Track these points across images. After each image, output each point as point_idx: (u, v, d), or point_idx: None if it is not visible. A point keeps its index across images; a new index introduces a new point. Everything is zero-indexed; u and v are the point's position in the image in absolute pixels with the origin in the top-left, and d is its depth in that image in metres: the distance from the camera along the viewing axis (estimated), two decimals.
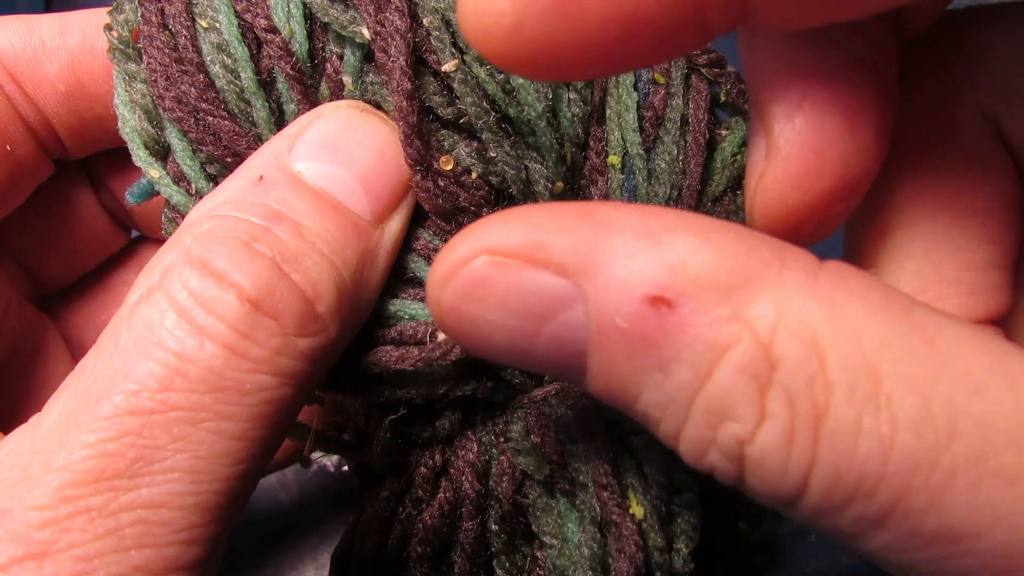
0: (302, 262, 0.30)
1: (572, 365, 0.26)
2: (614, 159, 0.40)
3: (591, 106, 0.41)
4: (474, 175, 0.35)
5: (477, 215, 0.35)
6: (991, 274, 0.30)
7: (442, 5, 0.34)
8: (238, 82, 0.36)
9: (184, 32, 0.36)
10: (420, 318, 0.35)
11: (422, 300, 0.36)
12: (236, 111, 0.36)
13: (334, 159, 0.33)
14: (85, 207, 0.47)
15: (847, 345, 0.23)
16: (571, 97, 0.40)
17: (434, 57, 0.34)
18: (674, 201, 0.41)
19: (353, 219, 0.32)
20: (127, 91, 0.38)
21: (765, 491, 0.24)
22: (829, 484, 0.23)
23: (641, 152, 0.40)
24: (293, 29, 0.36)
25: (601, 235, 0.24)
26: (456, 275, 0.25)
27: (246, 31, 0.36)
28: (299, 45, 0.36)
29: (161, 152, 0.38)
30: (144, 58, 0.37)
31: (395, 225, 0.34)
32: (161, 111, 0.37)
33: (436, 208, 0.35)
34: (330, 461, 0.61)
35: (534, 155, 0.36)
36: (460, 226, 0.35)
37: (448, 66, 0.34)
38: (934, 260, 0.30)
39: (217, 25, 0.36)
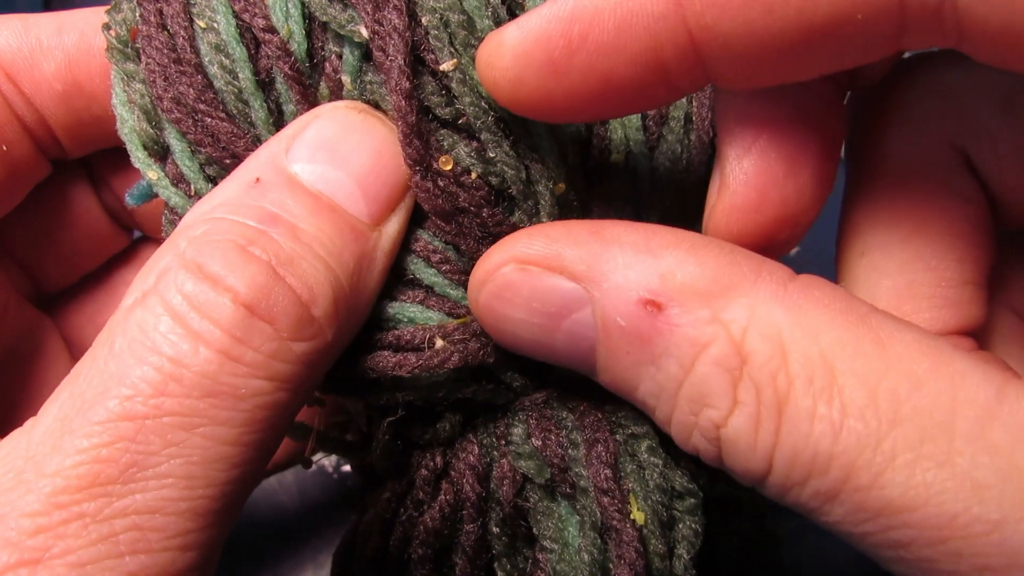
0: (298, 265, 0.30)
1: (585, 359, 0.31)
2: (617, 158, 0.40)
3: None
4: (474, 175, 0.35)
5: (477, 215, 0.35)
6: (961, 290, 0.33)
7: (441, 4, 0.34)
8: (236, 82, 0.35)
9: (182, 32, 0.36)
10: (419, 321, 0.35)
11: (421, 302, 0.36)
12: (234, 111, 0.36)
13: (331, 161, 0.32)
14: (85, 207, 0.46)
15: (807, 344, 0.26)
16: None
17: (432, 56, 0.34)
18: (678, 200, 0.40)
19: (350, 221, 0.32)
20: (125, 91, 0.38)
21: (739, 469, 0.28)
22: (789, 462, 0.26)
23: (645, 151, 0.40)
24: (291, 29, 0.35)
25: (606, 249, 0.29)
26: (490, 279, 0.31)
27: (244, 31, 0.36)
28: (297, 45, 0.35)
29: (160, 153, 0.37)
30: (142, 58, 0.37)
31: (393, 227, 0.34)
32: (160, 112, 0.36)
33: (436, 208, 0.35)
34: (329, 462, 0.61)
35: (534, 155, 0.36)
36: (460, 227, 0.35)
37: (446, 65, 0.34)
38: (908, 278, 0.34)
39: (215, 25, 0.36)
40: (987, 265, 0.35)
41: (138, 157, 0.37)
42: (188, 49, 0.36)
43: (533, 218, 0.36)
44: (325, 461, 0.61)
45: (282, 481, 0.60)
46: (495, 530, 0.38)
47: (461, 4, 0.34)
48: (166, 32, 0.36)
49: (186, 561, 0.27)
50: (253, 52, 0.36)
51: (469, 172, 0.35)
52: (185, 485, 0.27)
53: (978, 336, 0.35)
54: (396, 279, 0.36)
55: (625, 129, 0.40)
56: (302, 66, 0.36)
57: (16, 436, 0.28)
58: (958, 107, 0.33)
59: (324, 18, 0.35)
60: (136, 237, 0.50)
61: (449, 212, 0.35)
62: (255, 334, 0.28)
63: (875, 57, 0.27)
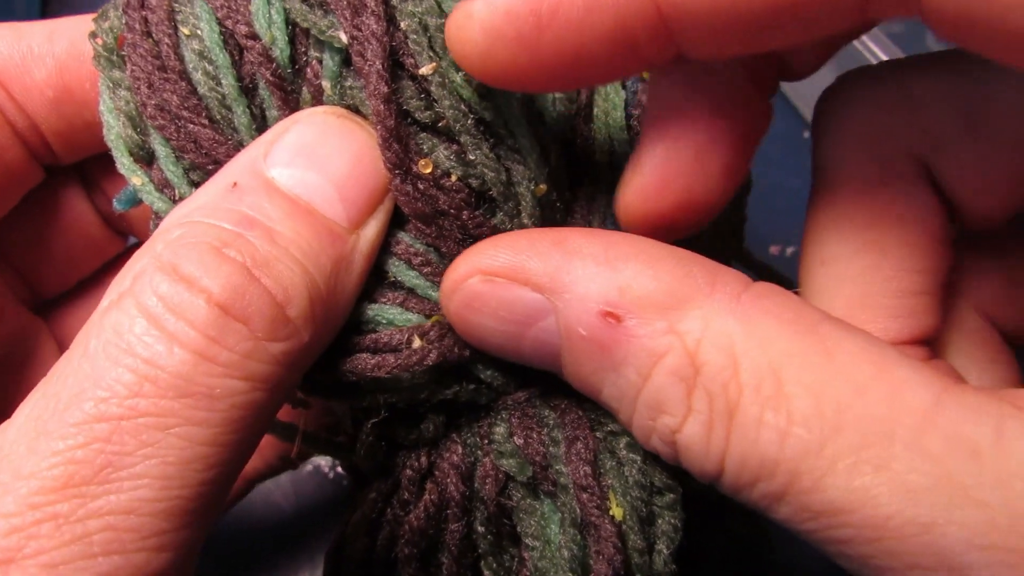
0: (274, 267, 0.30)
1: (553, 362, 0.32)
2: (601, 157, 0.40)
3: (578, 105, 0.41)
4: (454, 178, 0.35)
5: (457, 218, 0.35)
6: (916, 300, 0.34)
7: (420, 9, 0.34)
8: (220, 89, 0.36)
9: (166, 40, 0.36)
10: (397, 324, 0.35)
11: (401, 305, 0.36)
12: (218, 117, 0.36)
13: (309, 165, 0.33)
14: (79, 213, 0.47)
15: (757, 354, 0.27)
16: (557, 96, 0.40)
17: (411, 60, 0.34)
18: None
19: (328, 225, 0.32)
20: (112, 98, 0.38)
21: (695, 470, 0.30)
22: (739, 466, 0.28)
23: (628, 151, 0.40)
24: (274, 35, 0.36)
25: (568, 260, 0.30)
26: (458, 289, 0.32)
27: (227, 38, 0.36)
28: (280, 51, 0.36)
29: (146, 158, 0.38)
30: (128, 66, 0.37)
31: (371, 231, 0.34)
32: (145, 118, 0.37)
33: (416, 212, 0.35)
34: (324, 462, 0.62)
35: (516, 156, 0.36)
36: (441, 229, 0.35)
37: (425, 69, 0.34)
38: (865, 289, 0.35)
39: (199, 32, 0.36)
40: (943, 274, 0.35)
41: (123, 163, 0.38)
42: (172, 56, 0.36)
43: (515, 220, 0.36)
44: (321, 461, 0.61)
45: (278, 482, 0.60)
46: (480, 529, 0.38)
47: (439, 7, 0.35)
48: (151, 40, 0.37)
49: (161, 562, 0.27)
50: (236, 59, 0.36)
51: (449, 175, 0.35)
52: (161, 486, 0.27)
53: (935, 343, 0.36)
54: (377, 281, 0.36)
55: (609, 129, 0.40)
56: (284, 72, 0.36)
57: None
58: (919, 118, 0.34)
59: (305, 24, 0.35)
60: (131, 243, 0.51)
61: (429, 215, 0.35)
62: (230, 334, 0.29)
63: (843, 26, 0.28)
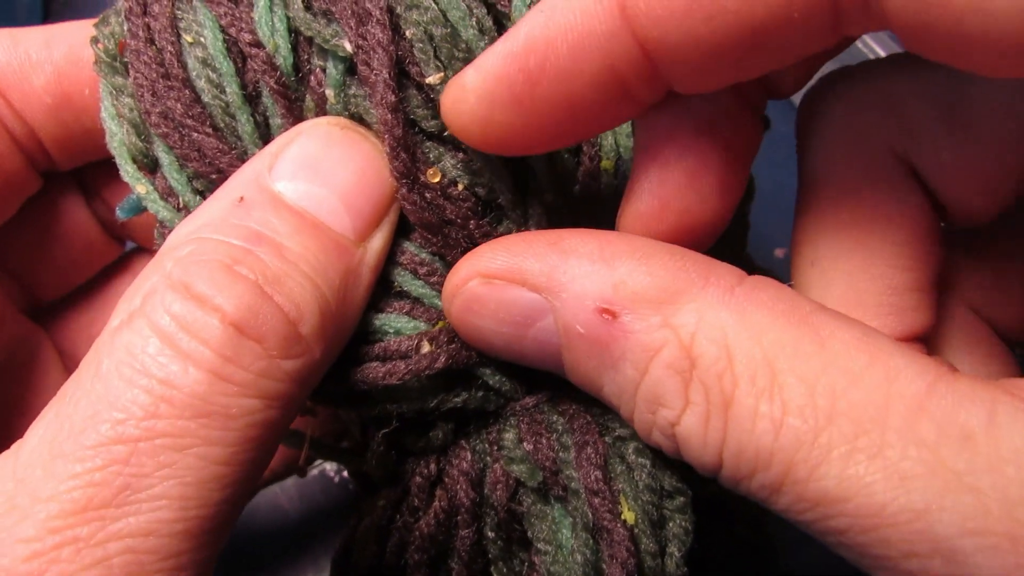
0: (285, 284, 0.30)
1: (554, 362, 0.33)
2: (607, 164, 0.40)
3: None
4: (460, 187, 0.35)
5: (464, 227, 0.35)
6: (907, 296, 0.34)
7: (424, 18, 0.34)
8: (223, 97, 0.36)
9: (169, 48, 0.36)
10: (405, 332, 0.35)
11: (408, 314, 0.36)
12: (222, 125, 0.36)
13: (315, 178, 0.33)
14: (77, 219, 0.46)
15: (751, 346, 0.28)
16: None
17: (417, 69, 0.34)
18: None
19: (335, 238, 0.32)
20: (114, 105, 0.38)
21: (695, 463, 0.30)
22: (736, 457, 0.28)
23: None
24: (277, 43, 0.35)
25: (564, 260, 0.31)
26: (459, 293, 0.33)
27: (231, 46, 0.36)
28: (283, 59, 0.36)
29: (150, 166, 0.38)
30: (131, 73, 0.37)
31: (378, 242, 0.34)
32: (148, 125, 0.37)
33: (423, 221, 0.35)
34: (330, 467, 0.62)
35: (522, 164, 0.36)
36: (447, 238, 0.35)
37: (433, 79, 0.34)
38: (855, 287, 0.35)
39: (202, 40, 0.36)
40: (934, 270, 0.36)
41: (127, 171, 0.38)
42: (176, 64, 0.36)
43: (522, 227, 0.36)
44: (326, 466, 0.61)
45: (283, 485, 0.60)
46: (490, 534, 0.38)
47: (444, 17, 0.34)
48: (154, 47, 0.36)
49: None
50: (240, 66, 0.36)
51: (456, 184, 0.35)
52: (179, 506, 0.27)
53: (929, 339, 0.37)
54: (383, 291, 0.36)
55: (615, 135, 0.40)
56: (288, 80, 0.36)
57: (3, 459, 0.28)
58: (900, 115, 0.34)
59: (308, 32, 0.35)
60: (129, 248, 0.50)
61: (436, 224, 0.35)
62: (244, 353, 0.29)
63: (821, 46, 0.28)
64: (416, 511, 0.39)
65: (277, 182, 0.32)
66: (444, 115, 0.32)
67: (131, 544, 0.26)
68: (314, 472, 0.61)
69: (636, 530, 0.35)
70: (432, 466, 0.39)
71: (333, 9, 0.35)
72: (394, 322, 0.36)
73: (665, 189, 0.33)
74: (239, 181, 0.33)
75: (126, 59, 0.37)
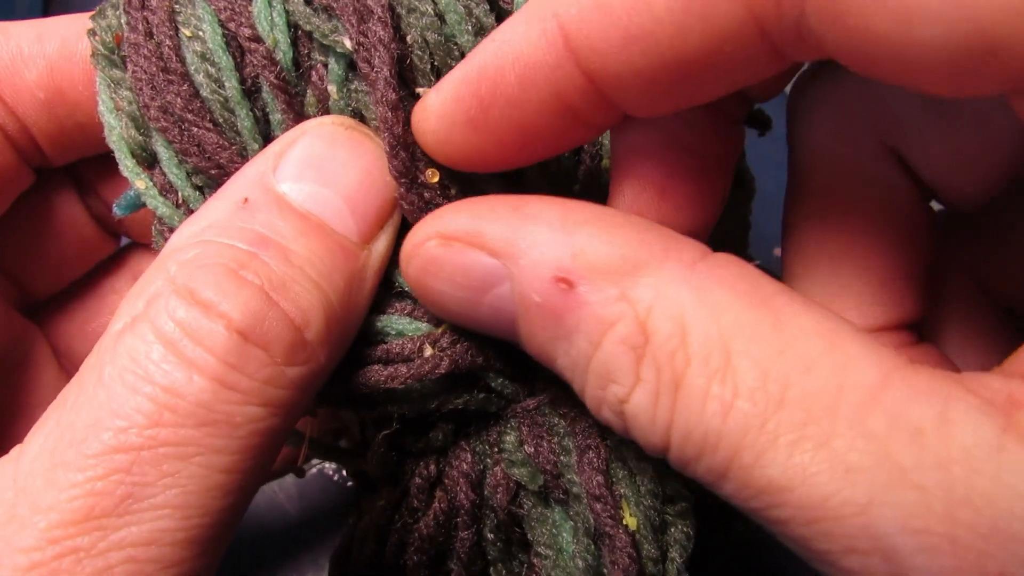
0: (290, 289, 0.30)
1: (510, 330, 0.32)
2: (608, 163, 0.40)
3: None
4: (453, 191, 0.35)
5: None
6: (896, 285, 0.34)
7: (422, 23, 0.34)
8: (222, 91, 0.35)
9: (167, 41, 0.35)
10: (408, 334, 0.35)
11: (410, 315, 0.36)
12: (221, 120, 0.35)
13: (319, 179, 0.32)
14: (70, 214, 0.46)
15: (707, 325, 0.27)
16: None
17: (412, 76, 0.34)
18: None
19: (340, 241, 0.32)
20: (112, 98, 0.37)
21: (643, 443, 0.29)
22: (684, 438, 0.27)
23: None
24: (277, 38, 0.35)
25: (525, 225, 0.30)
26: (417, 253, 0.32)
27: (230, 40, 0.35)
28: (283, 54, 0.35)
29: (148, 160, 0.37)
30: (129, 66, 0.36)
31: (382, 245, 0.34)
32: (147, 119, 0.36)
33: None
34: (330, 465, 0.61)
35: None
36: None
37: (422, 91, 0.34)
38: (839, 276, 0.35)
39: (201, 34, 0.35)
40: (924, 257, 0.35)
41: (127, 166, 0.37)
42: (174, 58, 0.35)
43: None
44: (326, 464, 0.61)
45: (283, 484, 0.60)
46: (490, 536, 0.38)
47: (442, 20, 0.34)
48: (152, 41, 0.36)
49: None
50: (239, 61, 0.35)
51: (449, 188, 0.35)
52: (181, 515, 0.27)
53: (926, 327, 0.36)
54: (384, 291, 0.36)
55: None
56: (288, 75, 0.35)
57: (2, 466, 0.28)
58: (887, 104, 0.34)
59: (308, 28, 0.35)
60: (124, 244, 0.50)
61: None
62: (249, 360, 0.28)
63: (767, 74, 0.28)
64: (416, 512, 0.38)
65: (282, 183, 0.32)
66: (413, 132, 0.33)
67: (133, 553, 0.26)
68: (313, 471, 0.60)
69: (638, 536, 0.35)
70: (432, 467, 0.38)
71: (334, 5, 0.34)
72: (396, 323, 0.35)
73: (640, 203, 0.33)
74: (243, 181, 0.33)
75: (123, 52, 0.37)
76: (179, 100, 0.35)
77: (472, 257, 0.31)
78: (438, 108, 0.31)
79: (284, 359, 0.29)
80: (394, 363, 0.35)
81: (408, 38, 0.34)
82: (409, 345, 0.35)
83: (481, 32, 0.34)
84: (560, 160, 0.38)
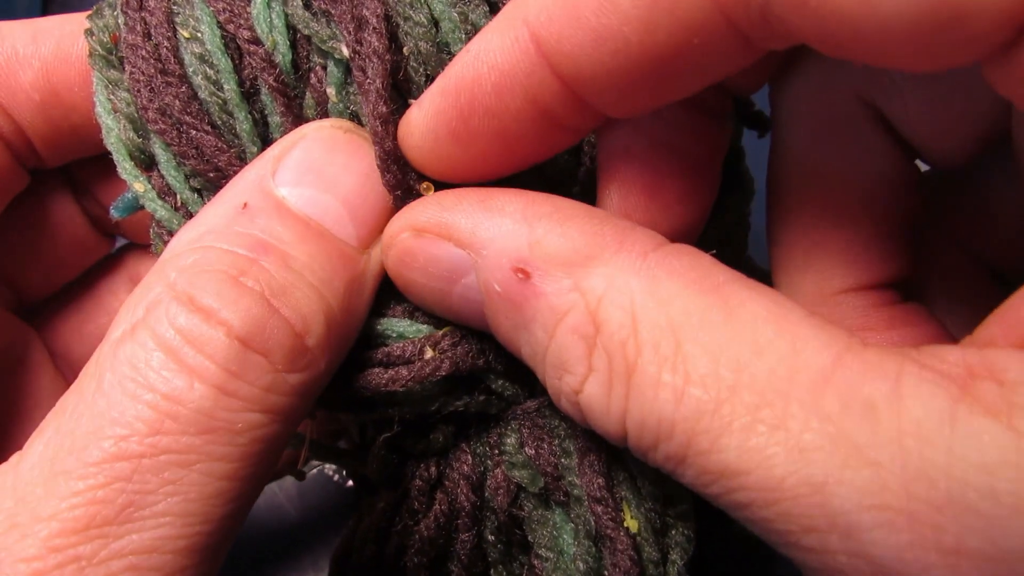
0: (291, 295, 0.30)
1: (479, 320, 0.32)
2: None
3: None
4: None
5: None
6: (877, 244, 0.34)
7: (417, 32, 0.34)
8: (221, 93, 0.35)
9: (166, 43, 0.35)
10: (408, 336, 0.35)
11: (410, 316, 0.35)
12: (219, 123, 0.35)
13: (319, 184, 0.32)
14: (66, 216, 0.46)
15: (657, 314, 0.27)
16: None
17: (408, 87, 0.34)
18: None
19: (340, 246, 0.32)
20: (110, 99, 0.37)
21: (601, 432, 0.29)
22: (639, 427, 0.27)
23: None
24: (276, 40, 0.35)
25: (489, 217, 0.31)
26: (393, 244, 0.33)
27: (229, 42, 0.35)
28: (282, 56, 0.35)
29: (146, 162, 0.37)
30: (127, 68, 0.36)
31: (380, 249, 0.34)
32: (145, 121, 0.36)
33: None
34: (330, 466, 0.61)
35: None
36: None
37: (415, 101, 0.34)
38: (823, 235, 0.35)
39: (199, 35, 0.35)
40: (908, 216, 0.35)
41: (125, 168, 0.37)
42: (172, 60, 0.35)
43: None
44: (326, 465, 0.61)
45: (283, 485, 0.60)
46: (490, 538, 0.38)
47: (435, 28, 0.34)
48: (150, 42, 0.35)
49: None
50: (237, 63, 0.35)
51: None
52: (183, 523, 0.26)
53: (912, 284, 0.36)
54: (385, 293, 0.36)
55: None
56: (287, 77, 0.35)
57: (2, 474, 0.28)
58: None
59: (307, 32, 0.35)
60: (120, 244, 0.50)
61: None
62: (250, 368, 0.28)
63: (741, 65, 0.28)
64: (416, 514, 0.38)
65: (281, 188, 0.32)
66: (400, 146, 0.33)
67: (134, 561, 0.26)
68: (313, 472, 0.60)
69: (639, 538, 0.35)
70: (433, 469, 0.38)
71: (332, 11, 0.34)
72: (396, 326, 0.35)
73: (627, 205, 0.33)
74: (242, 186, 0.32)
75: (121, 53, 0.36)
76: (177, 102, 0.35)
77: (441, 248, 0.31)
78: (420, 123, 0.32)
79: (285, 366, 0.29)
80: (395, 365, 0.35)
81: (405, 49, 0.34)
82: (410, 347, 0.35)
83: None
84: (557, 163, 0.38)
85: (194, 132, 0.35)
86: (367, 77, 0.33)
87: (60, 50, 0.40)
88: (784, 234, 0.36)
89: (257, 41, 0.35)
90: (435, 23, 0.34)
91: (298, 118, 0.36)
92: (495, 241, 0.30)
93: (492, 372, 0.37)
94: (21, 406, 0.44)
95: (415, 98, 0.34)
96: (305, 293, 0.30)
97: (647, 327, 0.27)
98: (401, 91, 0.34)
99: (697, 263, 0.28)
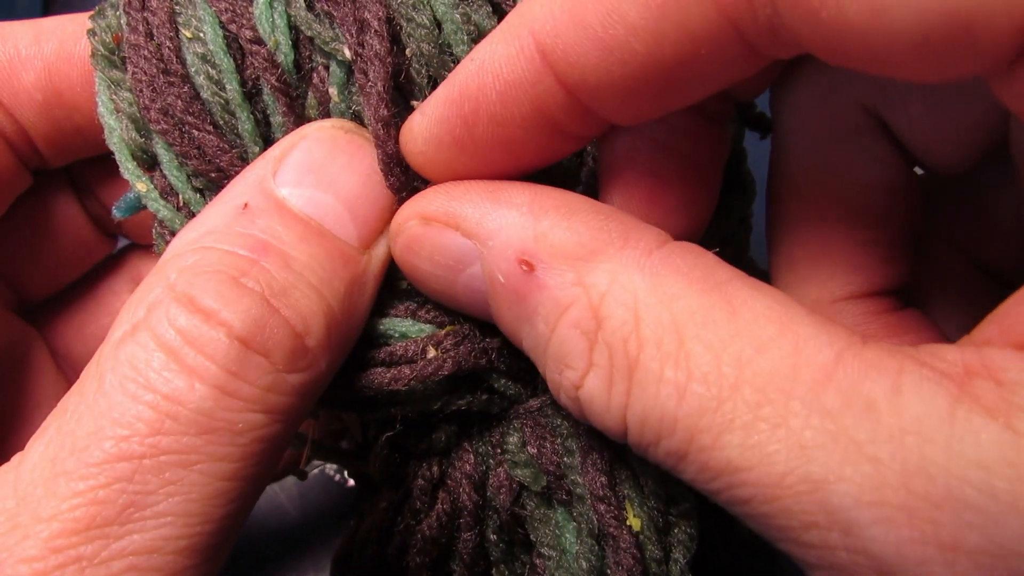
0: (291, 295, 0.30)
1: (483, 311, 0.32)
2: None
3: None
4: None
5: None
6: (878, 251, 0.34)
7: (420, 33, 0.34)
8: (223, 93, 0.35)
9: (168, 43, 0.35)
10: (411, 335, 0.35)
11: (413, 316, 0.35)
12: (221, 123, 0.35)
13: (319, 184, 0.32)
14: (68, 216, 0.46)
15: (660, 311, 0.27)
16: None
17: (410, 88, 0.34)
18: None
19: (340, 247, 0.32)
20: (112, 99, 0.37)
21: (601, 428, 0.29)
22: (640, 423, 0.27)
23: None
24: (278, 40, 0.35)
25: (497, 208, 0.31)
26: (400, 231, 0.33)
27: (231, 42, 0.35)
28: (284, 56, 0.35)
29: (149, 163, 0.37)
30: (129, 68, 0.36)
31: (382, 249, 0.34)
32: (147, 121, 0.36)
33: None
34: (332, 466, 0.61)
35: None
36: None
37: (417, 103, 0.34)
38: (824, 242, 0.35)
39: (201, 35, 0.35)
40: (907, 223, 0.35)
41: (127, 168, 0.37)
42: (174, 60, 0.35)
43: None
44: (328, 465, 0.61)
45: (284, 485, 0.60)
46: (492, 537, 0.38)
47: (438, 29, 0.34)
48: (153, 42, 0.35)
49: None
50: (239, 63, 0.35)
51: None
52: (183, 523, 0.27)
53: (911, 292, 0.37)
54: (387, 293, 0.36)
55: None
56: (289, 77, 0.35)
57: (3, 473, 0.28)
58: None
59: (309, 33, 0.35)
60: (122, 245, 0.50)
61: None
62: (250, 368, 0.28)
63: (746, 73, 0.28)
64: (418, 513, 0.38)
65: (281, 188, 0.32)
66: (402, 153, 0.34)
67: (135, 562, 0.26)
68: (315, 471, 0.60)
69: (642, 536, 0.35)
70: (435, 468, 0.38)
71: (335, 13, 0.34)
72: (399, 325, 0.35)
73: (628, 210, 0.33)
74: (242, 186, 0.32)
75: (123, 53, 0.37)
76: (179, 102, 0.35)
77: (448, 237, 0.32)
78: (424, 130, 0.32)
79: (285, 366, 0.29)
80: (397, 365, 0.35)
81: (408, 51, 0.34)
82: (412, 347, 0.35)
83: (481, 38, 0.34)
84: (561, 162, 0.38)
85: (196, 132, 0.35)
86: (369, 80, 0.33)
87: (63, 50, 0.40)
88: (784, 241, 0.37)
89: (259, 41, 0.35)
90: (438, 25, 0.34)
91: (300, 118, 0.36)
92: (501, 232, 0.30)
93: (494, 371, 0.37)
94: (23, 406, 0.45)
95: (418, 100, 0.34)
96: (305, 293, 0.30)
97: (650, 324, 0.27)
98: (403, 93, 0.34)
99: (700, 261, 0.28)
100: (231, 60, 0.35)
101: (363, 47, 0.33)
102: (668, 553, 0.36)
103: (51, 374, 0.46)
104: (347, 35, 0.33)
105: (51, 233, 0.45)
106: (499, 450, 0.38)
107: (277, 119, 0.35)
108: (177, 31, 0.35)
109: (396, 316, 0.36)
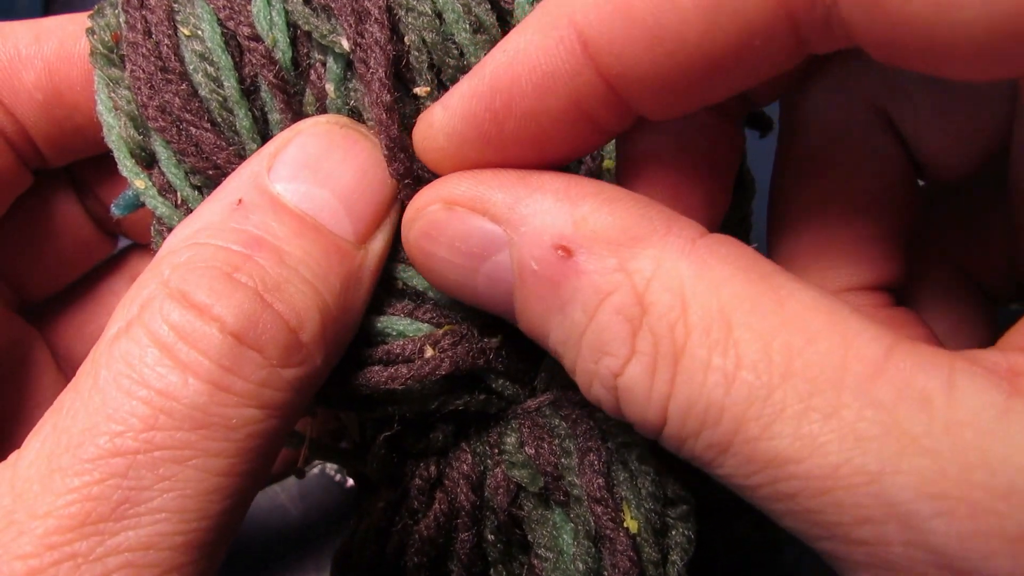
0: (285, 290, 0.30)
1: (505, 302, 0.31)
2: (609, 163, 0.40)
3: None
4: None
5: None
6: (877, 245, 0.34)
7: (419, 23, 0.34)
8: (221, 91, 0.35)
9: (166, 41, 0.35)
10: (408, 334, 0.35)
11: (410, 315, 0.35)
12: (219, 120, 0.35)
13: (314, 179, 0.32)
14: (69, 216, 0.46)
15: (707, 298, 0.27)
16: None
17: (411, 76, 0.34)
18: None
19: (336, 242, 0.32)
20: (111, 97, 0.37)
21: (636, 419, 0.28)
22: (683, 412, 0.27)
23: None
24: (276, 37, 0.35)
25: (529, 194, 0.30)
26: (419, 217, 0.32)
27: (229, 39, 0.35)
28: (282, 53, 0.35)
29: (147, 160, 0.37)
30: (127, 66, 0.36)
31: (378, 244, 0.33)
32: (145, 119, 0.36)
33: None
34: (331, 465, 0.61)
35: None
36: None
37: (420, 91, 0.34)
38: (825, 233, 0.35)
39: (200, 33, 0.35)
40: (907, 222, 0.35)
41: (126, 165, 0.37)
42: (173, 57, 0.35)
43: None
44: (327, 465, 0.61)
45: (284, 485, 0.60)
46: (490, 538, 0.38)
47: (440, 19, 0.34)
48: (151, 40, 0.36)
49: None
50: (237, 60, 0.35)
51: None
52: (179, 519, 0.26)
53: (902, 292, 0.36)
54: (385, 291, 0.36)
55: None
56: (287, 74, 0.35)
57: (0, 471, 0.28)
58: (878, 68, 0.33)
59: (307, 27, 0.35)
60: (123, 245, 0.50)
61: None
62: (244, 363, 0.28)
63: (784, 68, 0.28)
64: (416, 514, 0.38)
65: (276, 184, 0.32)
66: (416, 149, 0.33)
67: (130, 558, 0.26)
68: (314, 471, 0.60)
69: (639, 539, 0.35)
70: (432, 468, 0.38)
71: (332, 5, 0.34)
72: (396, 324, 0.35)
73: None
74: (237, 182, 0.32)
75: (122, 51, 0.37)
76: (177, 99, 0.35)
77: (474, 222, 0.30)
78: (447, 125, 0.31)
79: (279, 361, 0.29)
80: (395, 364, 0.35)
81: (406, 39, 0.34)
82: (410, 346, 0.35)
83: (480, 30, 0.34)
84: None
85: (194, 129, 0.35)
86: (369, 68, 0.33)
87: (63, 50, 0.40)
88: (787, 233, 0.36)
89: (257, 38, 0.35)
90: (438, 15, 0.34)
91: (297, 115, 0.36)
92: (536, 216, 0.29)
93: (492, 371, 0.36)
94: (23, 406, 0.45)
95: (418, 87, 0.34)
96: (299, 288, 0.30)
97: (697, 311, 0.26)
98: (404, 80, 0.34)
99: (744, 252, 0.28)
100: (229, 57, 0.35)
101: (362, 36, 0.33)
102: (665, 555, 0.36)
103: (51, 374, 0.46)
104: (345, 25, 0.33)
105: (52, 233, 0.46)
106: (497, 450, 0.38)
107: (275, 116, 0.35)
108: (175, 29, 0.35)
109: (394, 315, 0.35)
